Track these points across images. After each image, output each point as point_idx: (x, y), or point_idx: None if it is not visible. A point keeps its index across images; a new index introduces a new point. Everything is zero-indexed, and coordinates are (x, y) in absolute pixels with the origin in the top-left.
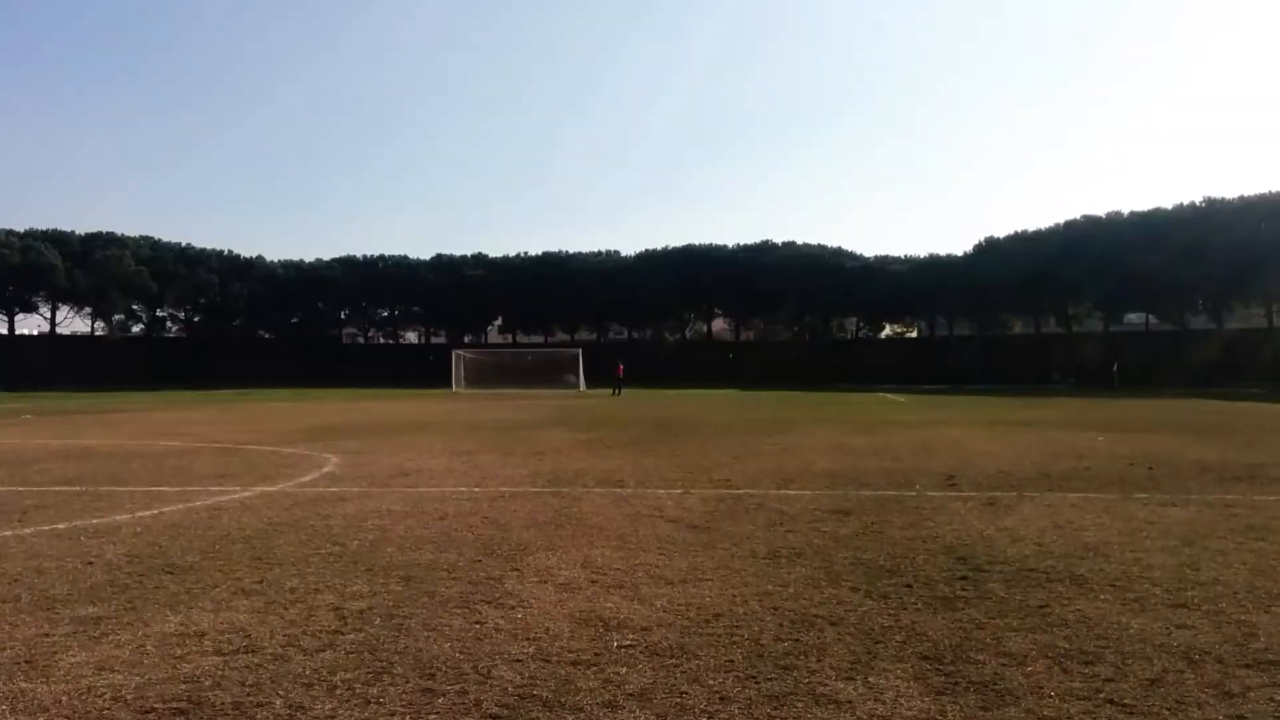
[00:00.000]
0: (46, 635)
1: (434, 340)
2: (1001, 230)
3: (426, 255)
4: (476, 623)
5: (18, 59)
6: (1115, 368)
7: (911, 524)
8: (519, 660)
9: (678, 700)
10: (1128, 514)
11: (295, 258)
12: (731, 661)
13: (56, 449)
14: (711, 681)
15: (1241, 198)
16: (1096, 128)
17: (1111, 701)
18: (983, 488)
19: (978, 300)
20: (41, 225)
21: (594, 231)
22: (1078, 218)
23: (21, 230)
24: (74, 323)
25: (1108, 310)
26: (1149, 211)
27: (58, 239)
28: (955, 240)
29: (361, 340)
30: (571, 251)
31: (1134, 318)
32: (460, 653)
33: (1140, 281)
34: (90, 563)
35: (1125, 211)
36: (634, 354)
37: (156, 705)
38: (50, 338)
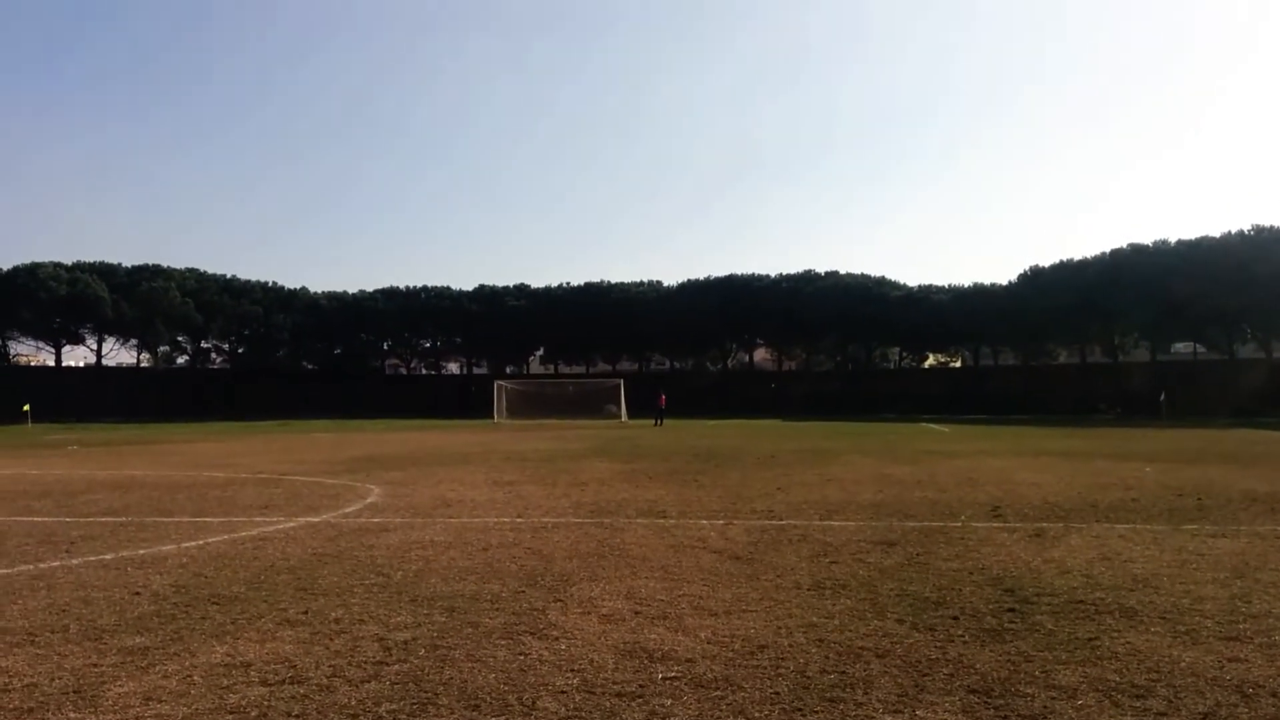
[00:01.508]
0: (94, 665)
1: (476, 371)
2: (1046, 259)
3: (469, 286)
4: (520, 654)
5: (63, 95)
6: (1164, 397)
7: (957, 555)
8: (563, 692)
9: None
10: (1177, 545)
11: (338, 289)
12: (777, 694)
13: (103, 480)
14: (757, 714)
15: None
16: (1141, 156)
17: None
18: (1029, 519)
19: (1022, 330)
20: (89, 258)
21: (636, 261)
22: (1123, 246)
23: (69, 263)
24: (120, 354)
25: (1154, 339)
26: (1196, 240)
27: (104, 271)
28: (999, 269)
29: (404, 371)
30: (613, 281)
31: (1181, 347)
32: (505, 684)
33: (1187, 310)
34: (137, 593)
35: (1172, 240)
36: (676, 384)
37: None
38: (97, 369)
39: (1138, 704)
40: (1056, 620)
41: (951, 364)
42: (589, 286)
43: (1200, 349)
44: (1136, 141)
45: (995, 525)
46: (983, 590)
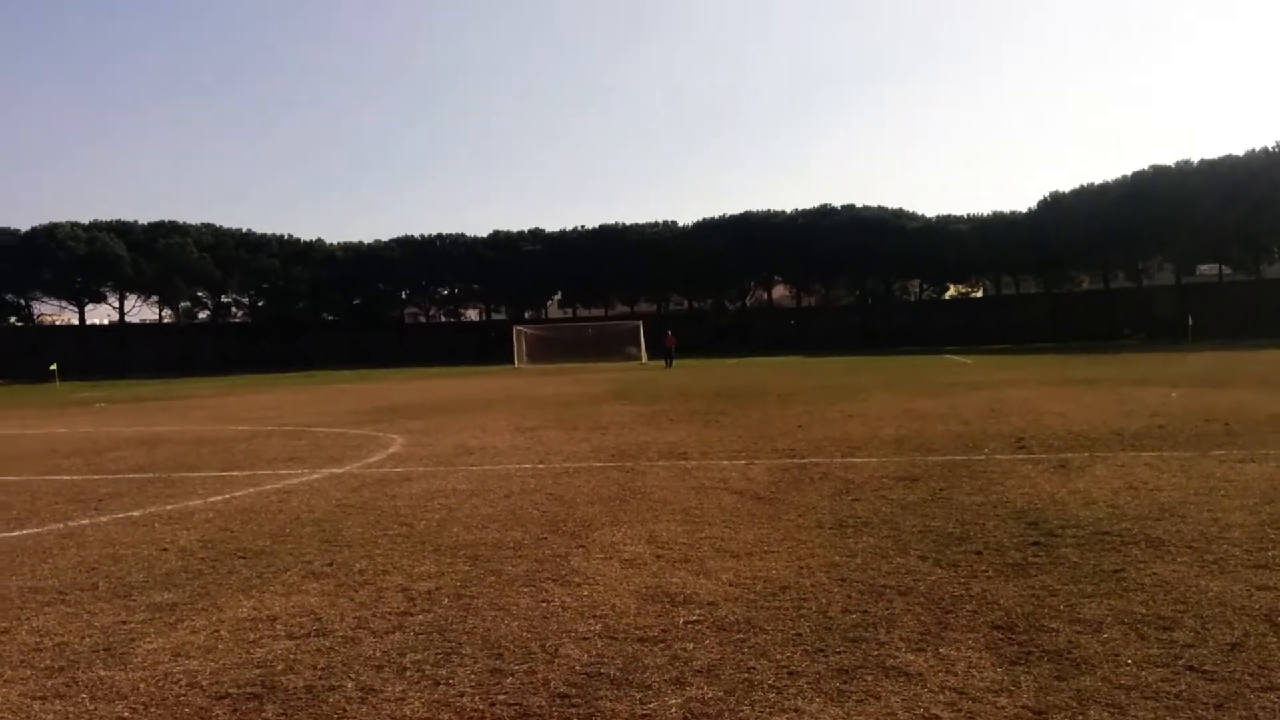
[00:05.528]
0: (124, 622)
1: (494, 317)
2: (1067, 184)
3: (483, 232)
4: (543, 601)
5: (73, 55)
6: (1190, 321)
7: (981, 489)
8: (586, 638)
9: (745, 675)
10: (1204, 472)
11: (353, 239)
12: (799, 635)
13: (129, 436)
14: (779, 656)
15: None
16: (1160, 75)
17: (1191, 668)
18: (1054, 449)
19: (1044, 257)
20: (105, 216)
21: (650, 202)
22: (1145, 169)
23: (86, 222)
24: (142, 311)
25: (1178, 263)
26: (1219, 159)
27: (122, 229)
28: (1019, 197)
29: (423, 319)
30: (628, 223)
31: (1206, 269)
32: (528, 632)
33: (1212, 232)
34: (165, 549)
35: (1195, 160)
36: (695, 324)
37: (231, 690)
38: (120, 327)
39: (1164, 636)
40: (1081, 553)
41: (973, 294)
42: (603, 229)
43: (1226, 270)
44: (1155, 60)
45: (1020, 457)
46: (1006, 524)
